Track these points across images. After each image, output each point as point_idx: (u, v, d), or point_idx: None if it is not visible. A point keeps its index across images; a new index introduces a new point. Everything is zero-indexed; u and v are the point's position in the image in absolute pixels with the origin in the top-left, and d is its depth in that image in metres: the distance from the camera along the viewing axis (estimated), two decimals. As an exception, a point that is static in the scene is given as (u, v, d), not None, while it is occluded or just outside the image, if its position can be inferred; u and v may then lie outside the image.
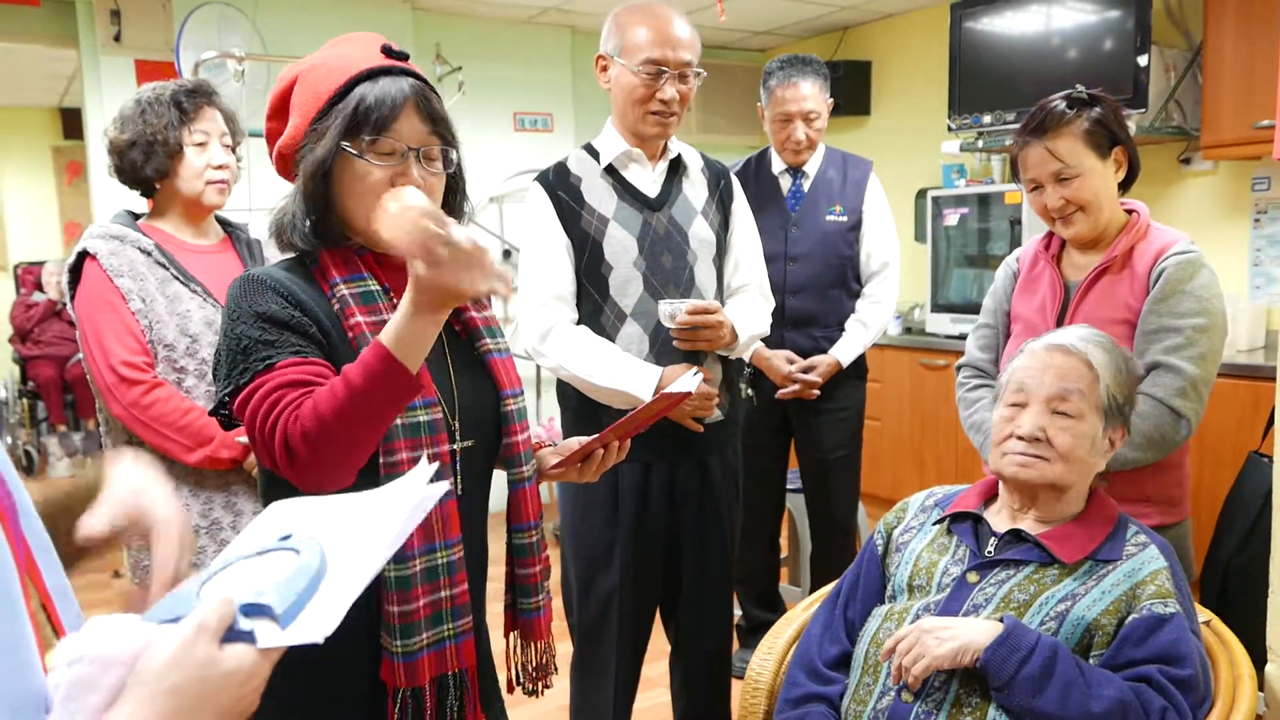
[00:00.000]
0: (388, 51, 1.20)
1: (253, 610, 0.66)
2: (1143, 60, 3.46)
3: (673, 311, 1.93)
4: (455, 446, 1.24)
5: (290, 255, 1.25)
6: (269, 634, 0.66)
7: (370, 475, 1.14)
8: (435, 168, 1.22)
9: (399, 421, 1.15)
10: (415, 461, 1.15)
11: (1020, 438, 1.47)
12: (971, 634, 1.32)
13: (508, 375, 1.33)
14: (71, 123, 7.24)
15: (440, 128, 1.21)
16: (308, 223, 1.20)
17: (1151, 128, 3.54)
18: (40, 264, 6.73)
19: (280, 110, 1.24)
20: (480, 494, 1.31)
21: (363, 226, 1.20)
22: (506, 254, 4.67)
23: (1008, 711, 1.31)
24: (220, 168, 1.94)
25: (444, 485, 0.84)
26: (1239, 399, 3.06)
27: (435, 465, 0.88)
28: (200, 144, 1.92)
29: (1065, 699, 1.27)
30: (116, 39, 3.80)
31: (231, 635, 0.64)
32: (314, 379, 1.12)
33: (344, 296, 1.19)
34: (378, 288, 1.22)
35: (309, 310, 1.17)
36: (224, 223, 2.08)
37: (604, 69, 2.02)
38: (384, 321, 1.16)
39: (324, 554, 0.74)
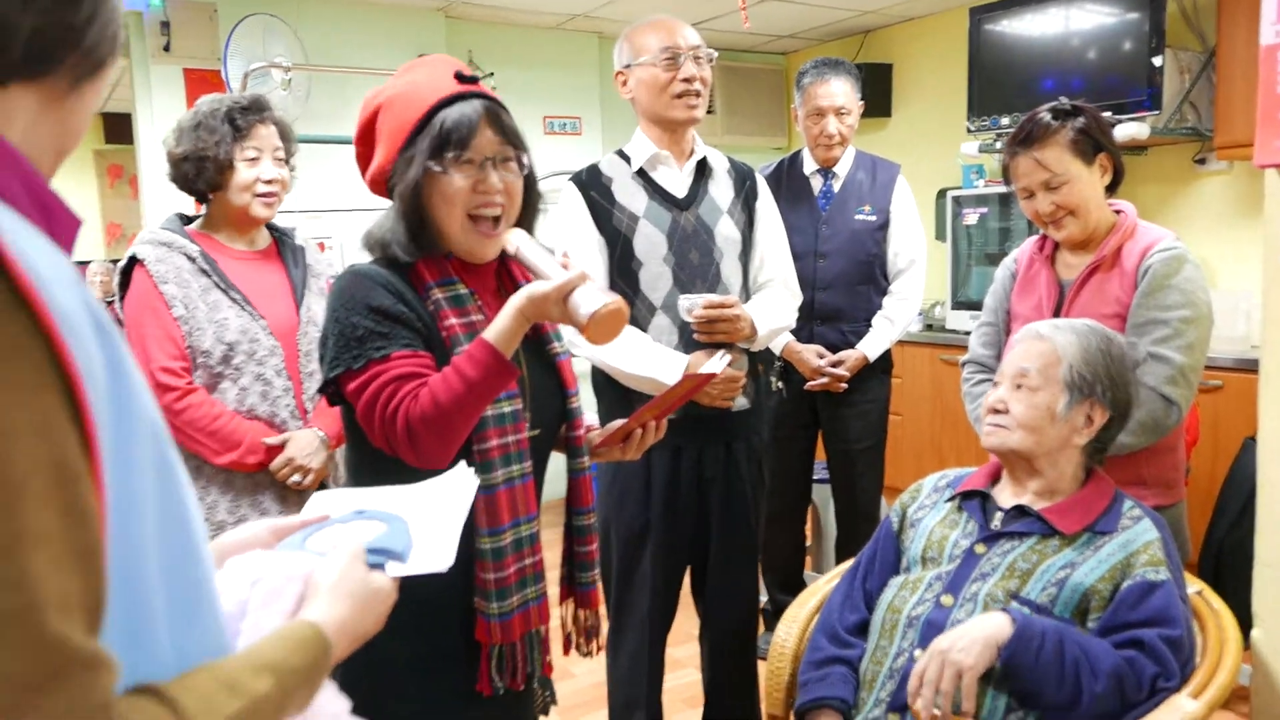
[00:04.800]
0: (460, 77, 1.34)
1: (377, 551, 0.84)
2: (1157, 61, 3.55)
3: (690, 306, 2.06)
4: (529, 434, 1.38)
5: (378, 257, 1.40)
6: (395, 567, 0.85)
7: (465, 459, 1.27)
8: (512, 170, 1.37)
9: (489, 412, 1.31)
10: (504, 448, 1.32)
11: (988, 409, 1.64)
12: (986, 631, 1.41)
13: (571, 375, 1.50)
14: (113, 127, 7.46)
15: (511, 138, 1.35)
16: (407, 236, 1.34)
17: (1166, 129, 3.63)
18: (84, 264, 6.94)
19: (366, 136, 1.39)
20: (541, 477, 1.46)
21: (454, 233, 1.35)
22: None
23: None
24: (270, 182, 2.02)
25: (475, 477, 1.06)
26: (1250, 392, 3.13)
27: (472, 469, 1.08)
28: (252, 159, 2.00)
29: (1077, 681, 1.37)
30: (166, 49, 3.97)
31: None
32: (425, 371, 1.28)
33: (438, 300, 1.34)
34: (466, 291, 1.37)
35: (413, 307, 1.33)
36: (272, 228, 2.16)
37: (624, 82, 2.17)
38: (472, 323, 1.34)
39: (405, 520, 0.93)
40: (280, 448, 1.98)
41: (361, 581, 0.80)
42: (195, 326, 1.93)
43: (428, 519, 0.95)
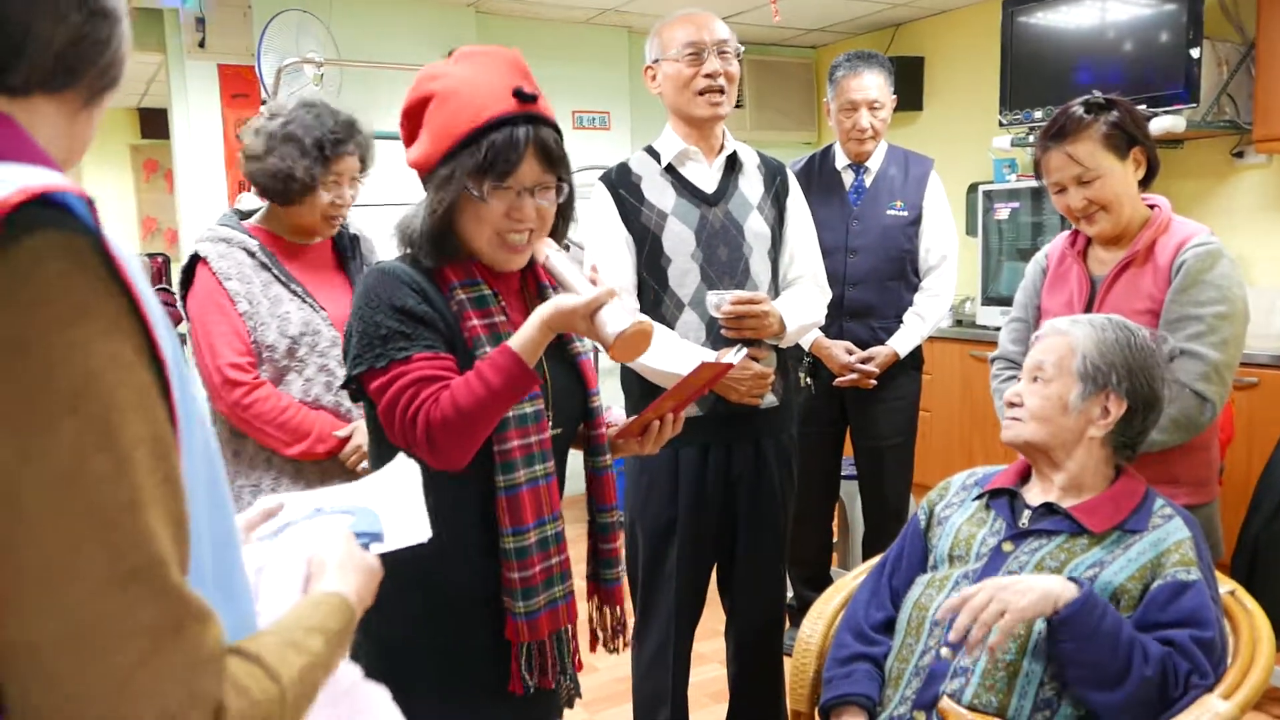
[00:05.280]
0: (519, 94, 1.31)
1: (360, 534, 0.91)
2: (1195, 53, 3.49)
3: (718, 301, 2.06)
4: (551, 434, 1.39)
5: (404, 254, 1.41)
6: (378, 546, 0.92)
7: (484, 459, 1.31)
8: (548, 198, 1.37)
9: (510, 412, 1.31)
10: (525, 449, 1.33)
11: (1005, 403, 1.66)
12: (1050, 586, 1.39)
13: (593, 374, 1.51)
14: (149, 122, 7.55)
15: (556, 166, 1.35)
16: (430, 245, 1.35)
17: (1204, 122, 3.58)
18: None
19: (413, 114, 1.37)
20: (562, 475, 1.46)
21: (480, 248, 1.36)
22: (566, 247, 4.82)
23: (1051, 661, 1.41)
24: (342, 206, 2.02)
25: (415, 464, 1.11)
26: (1288, 390, 3.09)
27: (412, 461, 1.12)
28: (333, 184, 2.00)
29: (1129, 659, 1.36)
30: (201, 45, 4.02)
31: None
32: (446, 374, 1.29)
33: (462, 301, 1.35)
34: (489, 292, 1.38)
35: (437, 308, 1.33)
36: None
37: (653, 77, 2.17)
38: (495, 324, 1.34)
39: (368, 508, 0.99)
40: (349, 438, 2.01)
41: (361, 558, 0.85)
42: (259, 321, 1.95)
43: (387, 504, 1.01)
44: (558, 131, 1.37)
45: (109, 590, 0.53)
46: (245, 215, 2.11)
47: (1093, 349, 1.59)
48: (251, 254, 2.00)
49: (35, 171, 0.55)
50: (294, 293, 2.00)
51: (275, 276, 2.00)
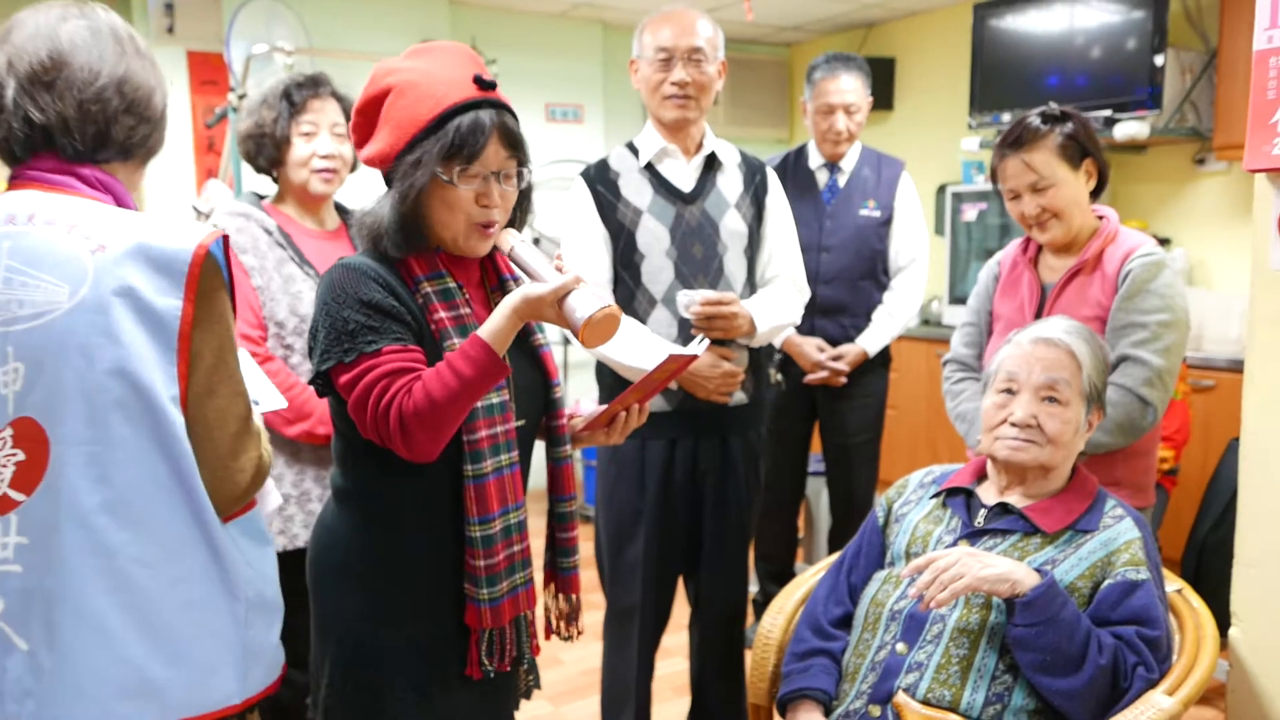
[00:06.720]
0: (479, 82, 1.33)
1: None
2: (1159, 61, 3.55)
3: (688, 302, 2.07)
4: (516, 424, 1.41)
5: (368, 249, 1.41)
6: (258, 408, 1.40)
7: (454, 450, 1.33)
8: (511, 184, 1.38)
9: (478, 403, 1.33)
10: (492, 439, 1.36)
11: (1014, 424, 1.62)
12: (1014, 568, 1.45)
13: (554, 366, 1.53)
14: (116, 107, 7.45)
15: (517, 151, 1.37)
16: (401, 236, 1.35)
17: (1166, 128, 3.64)
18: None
19: (368, 110, 1.37)
20: (527, 467, 1.48)
21: (448, 237, 1.37)
22: (536, 241, 4.82)
23: (1009, 649, 1.45)
24: (326, 157, 2.03)
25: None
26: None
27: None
28: (307, 134, 2.02)
29: (1086, 646, 1.41)
30: (169, 31, 3.98)
31: None
32: (417, 365, 1.30)
33: (428, 293, 1.36)
34: (454, 284, 1.39)
35: (403, 301, 1.34)
36: (341, 210, 2.18)
37: (636, 72, 2.18)
38: (461, 316, 1.36)
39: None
40: None
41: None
42: (270, 297, 1.96)
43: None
44: (515, 117, 1.38)
45: (234, 399, 1.19)
46: (262, 197, 2.13)
47: (1092, 366, 1.64)
48: (268, 232, 2.01)
49: (187, 221, 1.14)
50: (307, 274, 2.01)
51: (289, 256, 2.01)
